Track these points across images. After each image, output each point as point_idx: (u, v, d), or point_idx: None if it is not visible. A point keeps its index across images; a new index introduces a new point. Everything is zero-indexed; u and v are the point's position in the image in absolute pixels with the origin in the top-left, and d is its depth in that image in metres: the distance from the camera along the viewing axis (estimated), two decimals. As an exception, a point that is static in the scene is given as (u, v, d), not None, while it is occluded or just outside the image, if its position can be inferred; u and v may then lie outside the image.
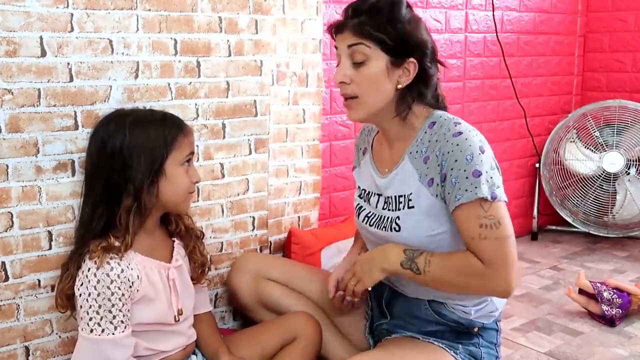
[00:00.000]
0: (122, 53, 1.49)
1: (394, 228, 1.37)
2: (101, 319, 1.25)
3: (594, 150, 2.73)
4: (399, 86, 1.32)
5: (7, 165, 1.37)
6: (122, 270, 1.27)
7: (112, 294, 1.25)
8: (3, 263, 1.39)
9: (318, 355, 1.55)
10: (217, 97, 1.68)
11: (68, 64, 1.41)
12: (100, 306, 1.24)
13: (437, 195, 1.32)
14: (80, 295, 1.26)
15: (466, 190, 1.26)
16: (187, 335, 1.44)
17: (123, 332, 1.27)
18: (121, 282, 1.26)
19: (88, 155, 1.36)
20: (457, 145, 1.28)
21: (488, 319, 1.44)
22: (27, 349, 1.45)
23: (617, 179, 2.68)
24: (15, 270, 1.41)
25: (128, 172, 1.29)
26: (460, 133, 1.30)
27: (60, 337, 1.49)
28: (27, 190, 1.40)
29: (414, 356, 1.37)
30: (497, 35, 2.66)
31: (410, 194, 1.35)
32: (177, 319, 1.38)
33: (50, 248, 1.45)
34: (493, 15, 2.64)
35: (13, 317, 1.42)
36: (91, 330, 1.25)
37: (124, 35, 1.48)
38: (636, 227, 2.72)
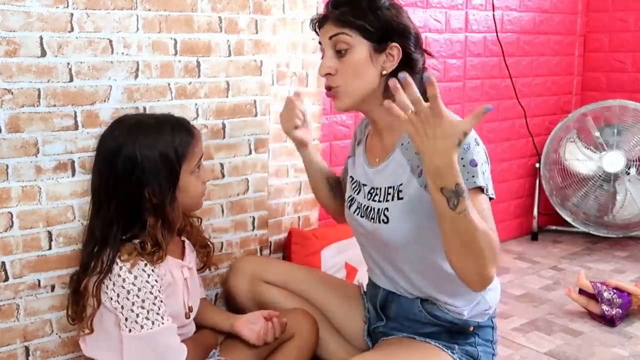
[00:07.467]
0: (122, 53, 1.49)
1: (382, 220, 1.36)
2: (148, 312, 1.25)
3: (594, 150, 2.73)
4: (384, 72, 1.32)
5: (7, 165, 1.37)
6: (154, 268, 1.29)
7: (152, 286, 1.26)
8: (3, 263, 1.39)
9: (314, 352, 1.55)
10: (217, 97, 1.67)
11: (68, 64, 1.41)
12: (144, 300, 1.25)
13: (425, 187, 1.27)
14: (119, 295, 1.25)
15: (464, 179, 1.19)
16: (191, 330, 1.47)
17: (169, 319, 1.29)
18: (157, 275, 1.28)
19: (97, 171, 1.35)
20: None
21: (482, 317, 1.44)
22: (27, 349, 1.45)
23: (617, 179, 2.68)
24: (15, 270, 1.41)
25: (145, 190, 1.29)
26: None
27: (60, 337, 1.49)
28: (27, 190, 1.40)
29: (411, 356, 1.37)
30: (497, 35, 2.66)
31: (401, 184, 1.34)
32: (187, 316, 1.40)
33: (50, 248, 1.45)
34: (493, 15, 2.64)
35: (13, 317, 1.42)
36: (142, 327, 1.25)
37: (124, 35, 1.48)
38: (636, 227, 2.72)
